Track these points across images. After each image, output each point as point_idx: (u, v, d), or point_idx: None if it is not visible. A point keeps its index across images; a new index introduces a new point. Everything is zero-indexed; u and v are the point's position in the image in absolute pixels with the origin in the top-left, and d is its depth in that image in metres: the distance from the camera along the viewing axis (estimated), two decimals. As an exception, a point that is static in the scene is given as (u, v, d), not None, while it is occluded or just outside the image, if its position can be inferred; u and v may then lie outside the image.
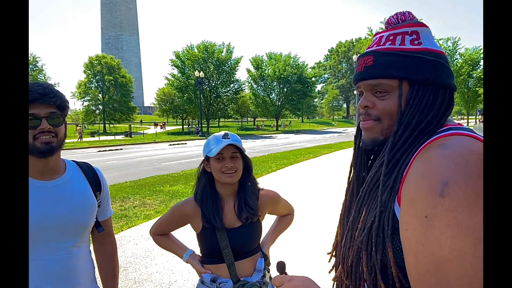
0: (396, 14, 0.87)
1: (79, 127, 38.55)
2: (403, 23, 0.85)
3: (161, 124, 52.69)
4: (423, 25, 0.84)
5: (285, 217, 1.88)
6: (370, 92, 0.84)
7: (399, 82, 0.80)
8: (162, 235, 1.78)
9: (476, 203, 0.59)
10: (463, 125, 0.79)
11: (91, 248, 1.57)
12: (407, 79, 0.80)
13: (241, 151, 1.61)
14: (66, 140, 1.42)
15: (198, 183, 1.69)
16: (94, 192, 1.46)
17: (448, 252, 0.58)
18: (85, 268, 1.42)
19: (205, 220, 1.60)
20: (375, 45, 0.86)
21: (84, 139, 33.85)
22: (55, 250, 1.31)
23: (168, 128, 52.70)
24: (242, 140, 1.69)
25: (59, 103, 1.28)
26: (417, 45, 0.81)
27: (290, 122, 62.51)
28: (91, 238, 1.56)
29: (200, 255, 1.71)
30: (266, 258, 1.72)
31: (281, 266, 1.39)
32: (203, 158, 1.71)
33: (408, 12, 0.87)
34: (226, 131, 1.65)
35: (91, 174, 1.48)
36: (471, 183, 0.60)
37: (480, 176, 0.61)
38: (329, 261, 1.02)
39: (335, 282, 0.91)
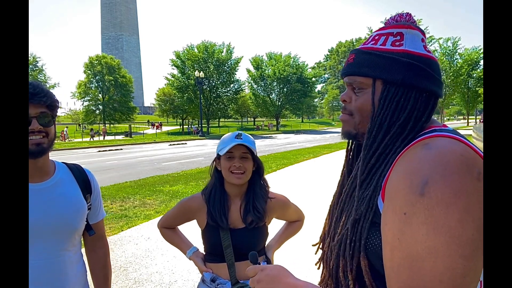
0: (396, 15, 0.88)
1: (104, 127, 39.33)
2: (395, 23, 0.86)
3: (157, 124, 50.46)
4: (411, 27, 0.84)
5: (294, 223, 1.83)
6: (350, 88, 0.88)
7: (372, 81, 0.83)
8: (169, 229, 1.79)
9: (454, 203, 0.61)
10: (448, 127, 0.80)
11: (83, 251, 1.54)
12: (380, 79, 0.82)
13: (252, 152, 1.59)
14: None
15: (210, 180, 1.70)
16: (84, 195, 1.42)
17: (422, 248, 0.61)
18: (76, 272, 1.40)
19: (210, 217, 1.60)
20: (363, 44, 0.90)
21: (86, 139, 33.84)
22: (43, 253, 1.28)
23: (166, 128, 52.05)
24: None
25: (49, 102, 1.25)
26: (397, 46, 0.82)
27: (278, 123, 61.50)
28: (82, 242, 1.53)
29: (204, 253, 1.71)
30: (269, 262, 1.69)
31: (253, 257, 1.39)
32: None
33: (408, 13, 0.87)
34: (241, 132, 1.64)
35: (80, 176, 1.45)
36: (450, 183, 0.62)
37: (461, 176, 0.63)
38: (315, 253, 1.04)
39: (322, 283, 0.93)
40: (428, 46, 0.86)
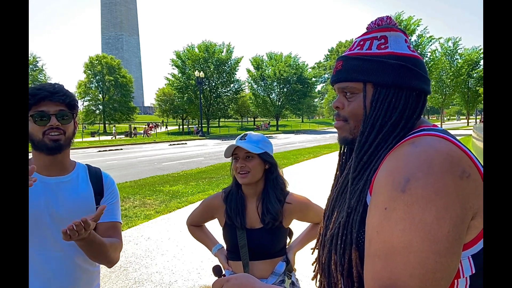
0: (377, 19, 0.90)
1: (150, 125, 40.82)
2: (377, 27, 0.88)
3: (151, 125, 45.80)
4: (393, 29, 0.86)
5: (318, 225, 1.81)
6: (341, 94, 0.89)
7: (363, 85, 0.84)
8: (196, 226, 1.86)
9: (433, 201, 0.63)
10: (437, 126, 0.82)
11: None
12: (370, 82, 0.83)
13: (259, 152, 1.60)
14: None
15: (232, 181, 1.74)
16: (95, 196, 1.45)
17: (397, 242, 0.64)
18: (84, 268, 1.41)
19: (227, 216, 1.66)
20: (348, 50, 0.91)
21: (86, 139, 33.87)
22: (49, 245, 1.32)
23: (162, 129, 51.24)
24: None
25: (68, 101, 1.33)
26: (383, 49, 0.84)
27: (269, 123, 59.59)
28: None
29: (224, 252, 1.76)
30: (288, 263, 1.69)
31: (217, 270, 1.40)
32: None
33: (387, 17, 0.89)
34: (248, 132, 1.67)
35: (96, 180, 1.49)
36: (432, 182, 0.64)
37: (443, 175, 0.64)
38: (312, 254, 1.05)
39: (316, 279, 0.94)
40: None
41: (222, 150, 19.91)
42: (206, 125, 45.41)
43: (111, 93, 47.32)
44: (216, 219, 1.78)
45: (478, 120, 56.10)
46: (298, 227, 1.82)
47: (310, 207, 1.72)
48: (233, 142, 1.63)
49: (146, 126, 43.40)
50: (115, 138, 35.96)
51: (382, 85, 0.82)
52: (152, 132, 42.36)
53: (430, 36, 37.12)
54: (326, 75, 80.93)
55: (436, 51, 42.32)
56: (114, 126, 40.60)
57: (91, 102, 48.44)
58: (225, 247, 1.77)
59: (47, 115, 1.29)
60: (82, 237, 1.16)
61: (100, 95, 47.84)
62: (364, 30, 0.91)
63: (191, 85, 42.79)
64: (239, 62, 46.44)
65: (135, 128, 42.13)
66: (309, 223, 1.83)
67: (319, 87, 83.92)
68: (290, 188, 1.77)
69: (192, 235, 1.87)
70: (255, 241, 1.61)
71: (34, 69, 44.47)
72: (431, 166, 0.65)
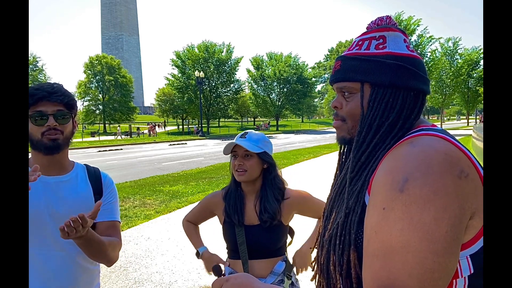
0: (377, 19, 0.90)
1: (150, 125, 40.82)
2: (376, 27, 0.88)
3: (150, 124, 43.76)
4: (392, 29, 0.86)
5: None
6: (340, 94, 0.89)
7: (360, 85, 0.84)
8: (191, 224, 1.88)
9: (431, 201, 0.63)
10: (436, 126, 0.82)
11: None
12: (368, 82, 0.83)
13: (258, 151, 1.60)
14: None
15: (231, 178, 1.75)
16: (94, 195, 1.45)
17: (396, 242, 0.64)
18: (84, 267, 1.41)
19: (225, 214, 1.68)
20: (347, 50, 0.91)
21: (86, 139, 33.87)
22: (49, 245, 1.32)
23: (160, 130, 50.85)
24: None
25: (66, 101, 1.32)
26: (381, 49, 0.84)
27: (269, 123, 59.37)
28: None
29: (213, 253, 1.77)
30: (287, 263, 1.69)
31: (217, 270, 1.42)
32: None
33: (387, 16, 0.89)
34: (248, 131, 1.68)
35: (94, 178, 1.49)
36: (430, 181, 0.64)
37: (442, 175, 0.64)
38: (311, 253, 1.05)
39: (314, 279, 0.94)
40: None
41: (222, 150, 19.79)
42: (206, 125, 45.39)
43: (111, 93, 47.30)
44: (216, 217, 1.78)
45: (478, 120, 56.09)
46: (298, 227, 1.82)
47: (310, 200, 1.72)
48: (234, 141, 1.64)
49: (148, 126, 43.51)
50: (121, 137, 36.01)
51: (379, 85, 0.82)
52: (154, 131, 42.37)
53: (430, 36, 37.09)
54: (326, 75, 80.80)
55: (436, 51, 42.28)
56: (119, 126, 40.66)
57: (91, 102, 48.43)
58: (213, 249, 1.78)
59: (45, 115, 1.28)
60: (80, 235, 1.16)
61: (100, 95, 47.82)
62: (364, 30, 0.91)
63: (191, 85, 42.75)
64: (239, 62, 46.43)
65: (138, 128, 42.11)
66: (316, 224, 1.80)
67: (319, 87, 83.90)
68: (292, 188, 1.76)
69: (185, 230, 1.88)
70: (254, 238, 1.62)
71: (34, 69, 44.43)
72: (429, 166, 0.65)
